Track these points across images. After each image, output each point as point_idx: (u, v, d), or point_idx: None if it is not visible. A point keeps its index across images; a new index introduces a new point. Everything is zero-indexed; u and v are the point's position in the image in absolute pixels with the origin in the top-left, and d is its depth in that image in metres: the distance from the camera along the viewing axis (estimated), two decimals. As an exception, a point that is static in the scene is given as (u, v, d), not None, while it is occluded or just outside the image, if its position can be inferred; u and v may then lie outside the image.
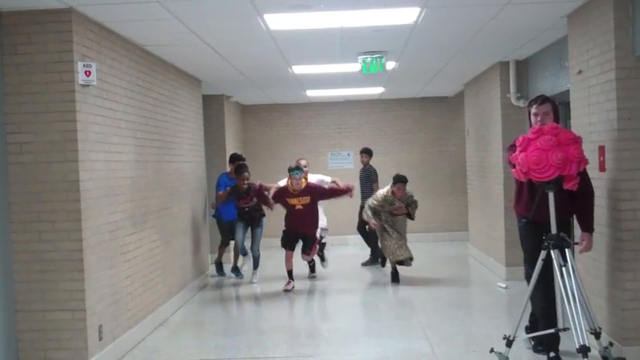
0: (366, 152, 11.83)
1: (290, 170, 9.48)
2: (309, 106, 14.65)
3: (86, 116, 5.82)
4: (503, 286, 9.25)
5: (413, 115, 14.63)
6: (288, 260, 9.56)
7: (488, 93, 10.41)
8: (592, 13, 6.02)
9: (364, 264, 11.53)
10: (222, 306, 8.83)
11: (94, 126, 5.98)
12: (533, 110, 5.59)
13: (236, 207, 10.25)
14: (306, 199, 9.40)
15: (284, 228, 9.73)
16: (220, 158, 12.05)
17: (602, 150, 5.86)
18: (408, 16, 6.50)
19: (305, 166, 10.01)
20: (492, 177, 10.30)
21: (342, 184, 10.06)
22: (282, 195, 9.48)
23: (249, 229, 10.34)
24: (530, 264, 5.71)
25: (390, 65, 9.26)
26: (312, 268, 10.40)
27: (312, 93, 12.90)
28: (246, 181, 9.97)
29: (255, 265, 10.23)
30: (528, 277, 5.71)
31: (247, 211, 10.15)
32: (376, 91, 13.00)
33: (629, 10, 5.55)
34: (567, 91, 6.97)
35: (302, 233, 9.60)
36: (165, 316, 7.86)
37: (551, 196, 5.15)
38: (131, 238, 6.84)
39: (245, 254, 10.48)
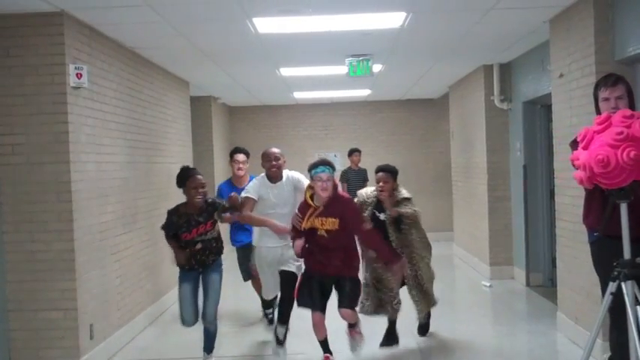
0: (359, 152, 11.83)
1: (311, 169, 5.51)
2: (296, 108, 14.75)
3: (77, 118, 5.90)
4: (488, 284, 9.40)
5: (399, 117, 14.76)
6: (318, 327, 5.66)
7: (472, 95, 10.55)
8: (573, 19, 6.16)
9: None
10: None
11: (85, 127, 6.06)
12: (602, 94, 4.26)
13: (181, 244, 5.80)
14: (333, 223, 5.41)
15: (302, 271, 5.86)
16: (208, 159, 12.13)
17: (582, 151, 5.98)
18: (394, 20, 6.62)
19: (279, 159, 6.18)
20: (477, 178, 10.45)
21: None
22: (303, 212, 5.57)
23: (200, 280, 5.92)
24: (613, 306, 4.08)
25: (377, 68, 9.36)
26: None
27: (300, 95, 12.99)
28: (200, 191, 5.71)
29: (209, 344, 6.04)
30: (612, 310, 4.08)
31: (198, 252, 5.77)
32: (363, 93, 13.12)
33: (609, 16, 5.70)
34: (549, 94, 7.10)
35: (331, 276, 5.57)
36: (155, 315, 7.94)
37: (623, 207, 3.86)
38: (121, 239, 6.92)
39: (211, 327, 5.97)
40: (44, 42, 5.66)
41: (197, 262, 5.83)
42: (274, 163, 6.16)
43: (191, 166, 6.44)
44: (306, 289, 5.61)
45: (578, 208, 6.10)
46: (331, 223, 5.43)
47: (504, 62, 9.48)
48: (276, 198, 6.10)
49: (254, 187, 6.19)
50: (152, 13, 5.92)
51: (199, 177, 5.80)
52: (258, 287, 7.30)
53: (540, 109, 8.92)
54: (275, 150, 6.27)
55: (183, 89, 10.07)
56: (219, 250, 5.97)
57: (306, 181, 5.94)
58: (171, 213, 5.90)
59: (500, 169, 9.74)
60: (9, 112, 5.68)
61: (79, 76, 5.83)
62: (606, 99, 4.22)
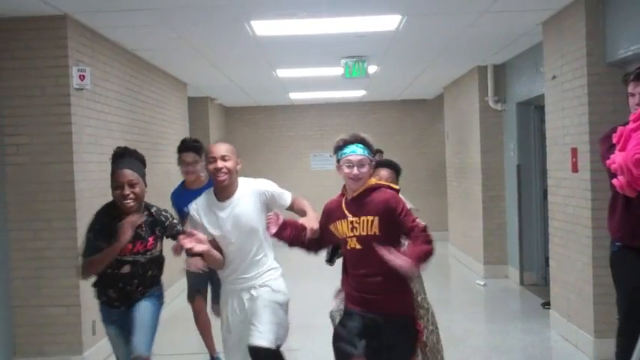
0: (382, 152, 10.55)
1: (336, 151, 3.83)
2: (291, 108, 14.85)
3: (80, 119, 6.01)
4: (482, 283, 9.52)
5: (393, 118, 14.87)
6: None
7: (466, 96, 10.66)
8: (565, 22, 6.29)
9: None
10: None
11: (87, 128, 6.17)
12: (628, 89, 3.94)
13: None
14: (369, 224, 3.59)
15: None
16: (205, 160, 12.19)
17: (574, 152, 6.12)
18: (389, 23, 6.73)
19: (225, 156, 3.94)
20: (471, 178, 10.57)
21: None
22: (329, 218, 3.80)
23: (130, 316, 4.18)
24: (627, 318, 3.77)
25: (372, 69, 9.45)
26: None
27: (295, 95, 13.09)
28: (128, 193, 4.00)
29: None
30: (621, 344, 3.74)
31: (122, 279, 4.11)
32: (358, 93, 13.23)
33: (601, 19, 5.83)
34: (543, 95, 7.22)
35: (371, 315, 3.64)
36: (153, 313, 8.01)
37: None
38: (122, 237, 7.00)
39: None
40: (48, 44, 5.78)
41: (119, 296, 4.05)
42: (218, 165, 3.88)
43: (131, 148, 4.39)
44: (343, 328, 3.72)
45: (571, 208, 6.27)
46: (366, 225, 3.58)
47: (498, 64, 9.60)
48: (226, 226, 3.93)
49: (193, 213, 4.03)
50: (152, 16, 6.03)
51: (127, 172, 3.92)
52: (204, 328, 5.91)
53: (534, 110, 9.03)
54: (219, 145, 3.98)
55: (181, 90, 10.18)
56: (152, 281, 4.24)
57: (281, 192, 4.12)
58: (101, 213, 4.09)
59: (495, 169, 9.86)
60: (14, 113, 5.80)
61: (81, 77, 5.94)
62: (631, 94, 3.90)
